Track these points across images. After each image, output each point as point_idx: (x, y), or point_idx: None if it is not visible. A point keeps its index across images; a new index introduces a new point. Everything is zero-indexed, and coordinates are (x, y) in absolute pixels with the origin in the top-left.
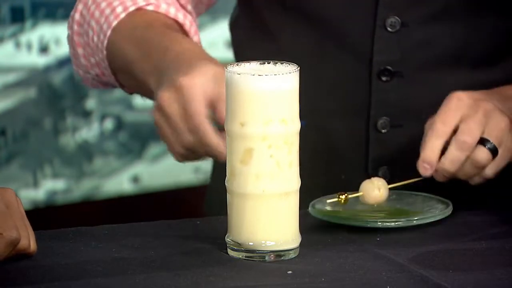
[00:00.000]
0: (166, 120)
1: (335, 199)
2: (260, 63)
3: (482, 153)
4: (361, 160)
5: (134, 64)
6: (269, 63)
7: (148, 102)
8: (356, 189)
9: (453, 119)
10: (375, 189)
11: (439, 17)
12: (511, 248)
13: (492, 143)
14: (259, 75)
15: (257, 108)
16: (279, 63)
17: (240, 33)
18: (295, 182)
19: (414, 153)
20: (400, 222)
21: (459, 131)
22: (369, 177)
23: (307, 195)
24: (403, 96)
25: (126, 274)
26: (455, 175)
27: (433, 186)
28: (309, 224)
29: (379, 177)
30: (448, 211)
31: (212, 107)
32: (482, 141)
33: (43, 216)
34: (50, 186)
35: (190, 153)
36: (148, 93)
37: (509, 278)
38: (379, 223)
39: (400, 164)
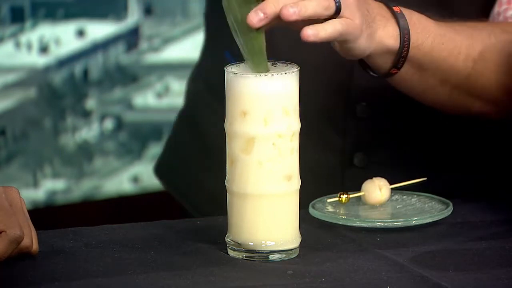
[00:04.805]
0: None
1: (336, 199)
2: None
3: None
4: (338, 144)
5: None
6: (268, 63)
7: (148, 102)
8: (331, 170)
9: None
10: (377, 189)
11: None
12: (511, 248)
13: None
14: (259, 75)
15: (258, 101)
16: (278, 63)
17: None
18: (296, 178)
19: (392, 140)
20: (400, 222)
21: None
22: (346, 159)
23: (307, 194)
24: (384, 83)
25: (126, 274)
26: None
27: (434, 187)
28: (309, 224)
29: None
30: (448, 211)
31: None
32: None
33: (43, 216)
34: (50, 186)
35: None
36: None
37: (509, 278)
38: (378, 223)
39: (377, 150)
